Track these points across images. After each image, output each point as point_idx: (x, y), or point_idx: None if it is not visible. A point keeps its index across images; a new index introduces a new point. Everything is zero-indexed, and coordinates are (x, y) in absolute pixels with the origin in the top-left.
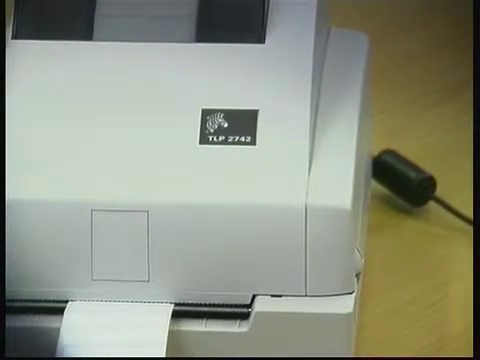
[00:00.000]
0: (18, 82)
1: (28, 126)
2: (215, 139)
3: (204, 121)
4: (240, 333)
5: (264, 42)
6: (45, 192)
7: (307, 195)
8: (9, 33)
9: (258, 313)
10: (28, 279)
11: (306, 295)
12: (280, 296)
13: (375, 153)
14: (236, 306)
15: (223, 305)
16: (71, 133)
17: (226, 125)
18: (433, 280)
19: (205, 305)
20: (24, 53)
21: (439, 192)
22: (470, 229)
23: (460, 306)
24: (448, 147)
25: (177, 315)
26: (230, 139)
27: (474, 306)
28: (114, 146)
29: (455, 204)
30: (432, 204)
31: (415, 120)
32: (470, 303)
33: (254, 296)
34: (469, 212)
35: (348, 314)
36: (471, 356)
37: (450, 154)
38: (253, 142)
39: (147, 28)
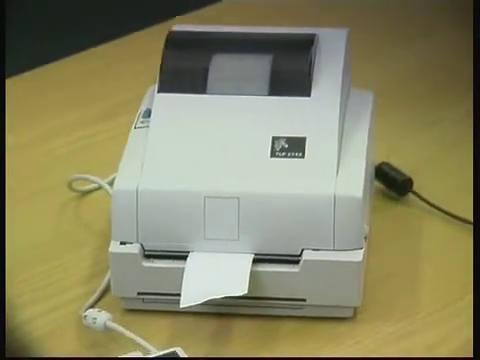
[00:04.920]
0: (162, 121)
1: (171, 147)
2: (279, 154)
3: (273, 143)
4: (293, 272)
5: (310, 96)
6: (180, 185)
7: (335, 188)
8: (155, 88)
9: (305, 260)
10: (167, 238)
11: (334, 249)
12: (318, 250)
13: (376, 163)
14: (291, 256)
15: (283, 254)
16: (193, 151)
17: (286, 146)
18: (412, 243)
19: (273, 254)
20: (164, 102)
21: (415, 187)
22: (436, 212)
23: (431, 260)
24: (423, 160)
25: (255, 261)
26: (289, 154)
27: (474, 306)
28: (219, 157)
29: (426, 195)
30: (411, 195)
31: (405, 140)
32: (438, 259)
33: (302, 249)
34: (435, 200)
35: (360, 261)
36: (471, 356)
37: (424, 164)
38: (303, 156)
39: (238, 85)
